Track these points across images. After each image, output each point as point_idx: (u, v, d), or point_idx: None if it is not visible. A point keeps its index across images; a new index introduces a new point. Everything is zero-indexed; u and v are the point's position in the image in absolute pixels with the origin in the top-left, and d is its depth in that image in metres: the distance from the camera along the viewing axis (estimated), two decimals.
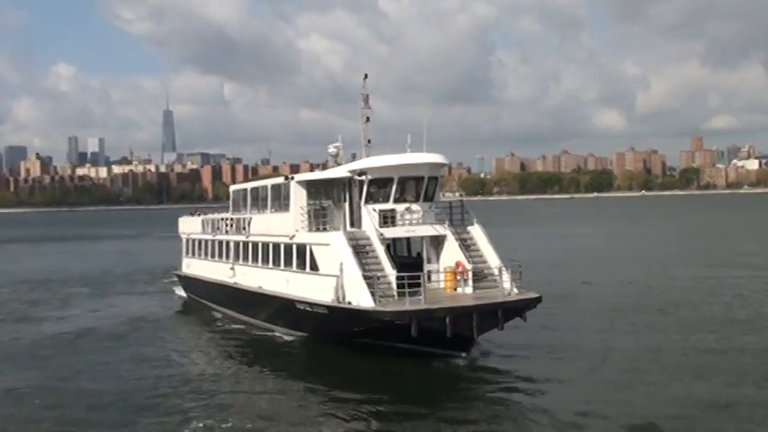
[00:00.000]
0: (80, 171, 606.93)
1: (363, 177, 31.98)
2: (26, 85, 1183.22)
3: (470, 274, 30.74)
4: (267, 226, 37.01)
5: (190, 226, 50.86)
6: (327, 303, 29.83)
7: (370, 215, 31.73)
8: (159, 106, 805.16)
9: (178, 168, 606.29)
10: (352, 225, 32.34)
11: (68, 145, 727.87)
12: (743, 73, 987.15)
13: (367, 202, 32.08)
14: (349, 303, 29.04)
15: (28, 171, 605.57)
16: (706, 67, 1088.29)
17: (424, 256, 32.94)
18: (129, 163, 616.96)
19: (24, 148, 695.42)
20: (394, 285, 28.85)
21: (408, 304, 27.49)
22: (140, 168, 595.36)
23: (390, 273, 29.33)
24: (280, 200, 36.19)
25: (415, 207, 32.59)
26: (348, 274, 29.28)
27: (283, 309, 33.84)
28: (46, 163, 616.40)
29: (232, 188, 45.39)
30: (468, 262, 31.24)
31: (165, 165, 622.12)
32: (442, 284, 31.11)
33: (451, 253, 32.03)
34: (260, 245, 37.55)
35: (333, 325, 30.02)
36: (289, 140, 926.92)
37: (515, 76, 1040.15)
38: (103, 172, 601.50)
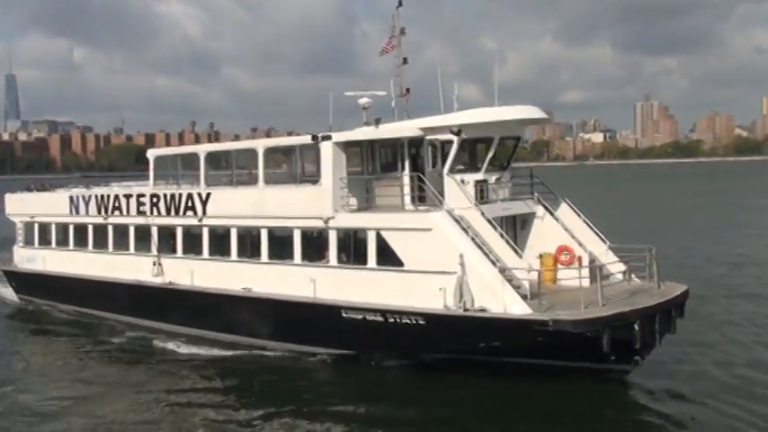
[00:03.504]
0: None
1: (455, 138, 23.34)
2: None
3: (586, 262, 23.60)
4: (257, 206, 26.78)
5: (36, 205, 37.68)
6: (432, 311, 21.61)
7: (461, 188, 23.22)
8: (1, 70, 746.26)
9: (23, 137, 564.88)
10: (420, 201, 23.67)
11: None
12: (593, 51, 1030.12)
13: (450, 170, 23.73)
14: (482, 311, 20.92)
15: None
16: (559, 44, 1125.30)
17: None
18: None
19: None
20: (526, 283, 21.30)
21: (583, 308, 19.98)
22: None
23: (522, 265, 21.72)
24: (294, 169, 26.61)
25: (504, 177, 25.00)
26: (477, 270, 21.10)
27: (310, 319, 24.76)
28: None
29: (154, 153, 32.12)
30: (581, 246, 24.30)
31: (8, 133, 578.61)
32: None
33: (547, 235, 24.98)
34: (236, 231, 27.42)
35: (436, 340, 21.77)
36: (144, 109, 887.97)
37: (378, 47, 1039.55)
38: None
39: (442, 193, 23.31)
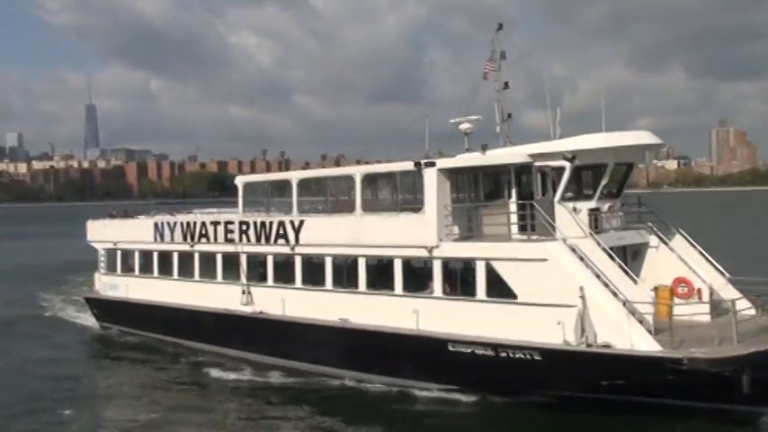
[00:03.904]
0: None
1: (568, 164, 22.40)
2: None
3: (706, 295, 22.36)
4: (354, 234, 26.02)
5: (119, 232, 37.28)
6: (550, 346, 20.57)
7: (573, 217, 22.35)
8: (82, 101, 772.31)
9: (102, 164, 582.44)
10: (529, 230, 22.58)
11: None
12: (665, 77, 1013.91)
13: (562, 198, 22.81)
14: (606, 346, 19.80)
15: None
16: (630, 70, 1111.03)
17: None
18: (51, 158, 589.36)
19: None
20: (650, 318, 20.14)
21: (717, 344, 18.89)
22: (62, 164, 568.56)
23: (644, 298, 20.60)
24: (393, 196, 25.89)
25: (616, 206, 24.14)
26: (599, 303, 20.02)
27: (413, 352, 23.79)
28: None
29: (243, 180, 31.46)
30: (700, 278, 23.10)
31: (87, 161, 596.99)
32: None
33: (661, 266, 23.83)
34: (331, 259, 26.68)
35: (553, 376, 20.76)
36: (218, 137, 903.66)
37: (447, 75, 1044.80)
38: (23, 168, 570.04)
39: (552, 222, 22.40)
